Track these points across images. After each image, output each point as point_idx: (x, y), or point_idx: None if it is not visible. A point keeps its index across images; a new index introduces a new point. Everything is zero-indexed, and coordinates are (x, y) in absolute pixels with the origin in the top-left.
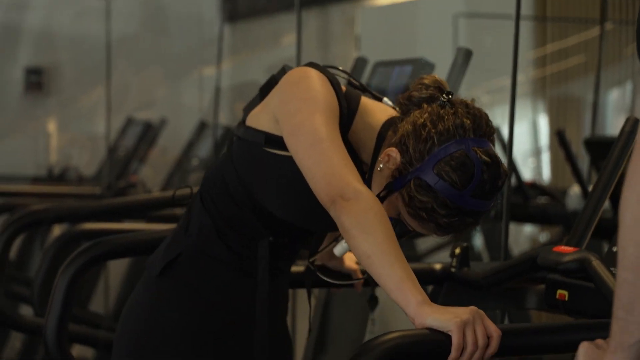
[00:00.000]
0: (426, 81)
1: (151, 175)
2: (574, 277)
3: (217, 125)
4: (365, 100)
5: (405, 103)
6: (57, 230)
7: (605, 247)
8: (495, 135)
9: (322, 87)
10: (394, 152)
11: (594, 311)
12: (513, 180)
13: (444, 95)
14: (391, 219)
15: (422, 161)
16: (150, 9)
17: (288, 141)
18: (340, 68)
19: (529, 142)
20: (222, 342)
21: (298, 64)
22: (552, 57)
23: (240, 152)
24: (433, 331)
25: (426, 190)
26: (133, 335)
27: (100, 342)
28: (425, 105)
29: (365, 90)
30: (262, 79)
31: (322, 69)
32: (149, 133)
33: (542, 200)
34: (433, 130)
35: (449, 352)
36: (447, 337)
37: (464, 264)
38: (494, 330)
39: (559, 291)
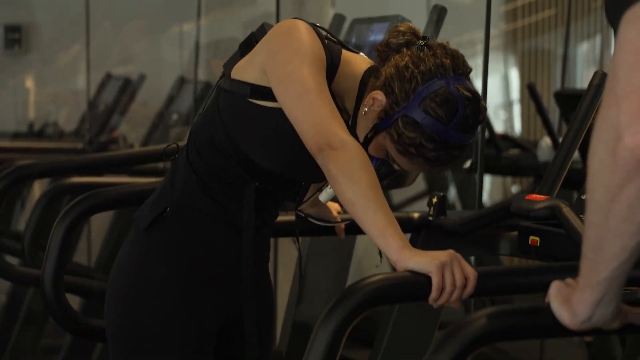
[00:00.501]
0: (401, 28)
1: (131, 131)
2: (545, 223)
3: (196, 80)
4: (346, 53)
5: (384, 50)
6: (37, 185)
7: (575, 196)
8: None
9: (311, 39)
10: (379, 94)
11: (564, 255)
12: (486, 132)
13: (420, 40)
14: (377, 159)
15: (408, 100)
16: None
17: (277, 91)
18: (318, 25)
19: (500, 95)
20: (209, 295)
21: (277, 21)
22: (522, 10)
23: (226, 104)
24: (414, 273)
25: (414, 127)
26: (123, 289)
27: (93, 291)
28: (404, 50)
29: (343, 45)
30: (240, 36)
31: (310, 23)
32: (128, 88)
33: (513, 152)
34: (416, 71)
35: (430, 292)
36: (427, 279)
37: (441, 212)
38: (471, 272)
39: (532, 237)
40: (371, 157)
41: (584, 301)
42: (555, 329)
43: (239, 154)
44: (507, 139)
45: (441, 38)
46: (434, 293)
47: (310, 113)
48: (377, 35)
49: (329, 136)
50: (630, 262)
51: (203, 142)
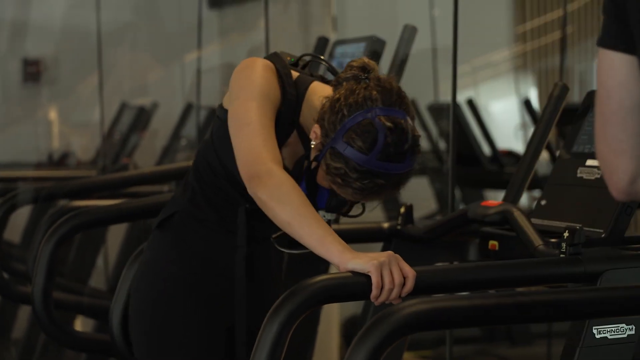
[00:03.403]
0: (354, 63)
1: (143, 157)
2: (503, 229)
3: (199, 106)
4: (315, 85)
5: (335, 84)
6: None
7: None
8: (411, 106)
9: (262, 77)
10: (317, 127)
11: (520, 257)
12: (488, 150)
13: (362, 73)
14: (328, 191)
15: (335, 131)
16: None
17: (228, 124)
18: (317, 55)
19: (518, 116)
20: (217, 294)
21: (267, 50)
22: (538, 31)
23: (216, 128)
24: (355, 274)
25: (338, 158)
26: (139, 289)
27: (83, 307)
28: (344, 84)
29: (318, 77)
30: (239, 61)
31: (275, 59)
32: (142, 117)
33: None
34: (344, 103)
35: (371, 291)
36: (367, 278)
37: (408, 221)
38: (409, 271)
39: (491, 242)
40: (322, 188)
41: None
42: None
43: (229, 176)
44: (511, 155)
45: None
46: (374, 291)
47: (244, 144)
48: (355, 56)
49: (256, 166)
50: None
51: (202, 164)
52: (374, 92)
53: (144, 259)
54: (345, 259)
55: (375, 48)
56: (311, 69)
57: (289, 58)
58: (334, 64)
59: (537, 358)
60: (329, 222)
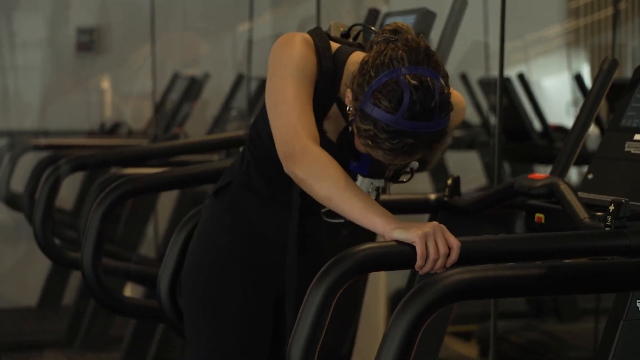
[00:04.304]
0: (387, 27)
1: (194, 127)
2: (549, 202)
3: (250, 77)
4: (355, 55)
5: (368, 49)
6: None
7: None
8: (441, 64)
9: (298, 53)
10: (349, 92)
11: (566, 230)
12: (539, 125)
13: (393, 35)
14: (369, 158)
15: (364, 94)
16: None
17: (265, 102)
18: (367, 25)
19: (570, 92)
20: (265, 265)
21: (318, 22)
22: (591, 5)
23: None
24: (400, 243)
25: (366, 119)
26: (193, 252)
27: (130, 273)
28: (374, 47)
29: (360, 46)
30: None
31: (315, 32)
32: (194, 87)
33: None
34: (371, 65)
35: (415, 260)
36: (412, 248)
37: (455, 193)
38: (454, 242)
39: (537, 215)
40: (363, 155)
41: None
42: None
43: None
44: (561, 130)
45: (517, 33)
46: (418, 261)
47: (279, 123)
48: None
49: (291, 144)
50: None
51: (255, 136)
52: (400, 52)
53: (200, 223)
54: (390, 229)
55: (425, 20)
56: (364, 40)
57: (341, 29)
58: None
59: (584, 334)
60: (377, 190)
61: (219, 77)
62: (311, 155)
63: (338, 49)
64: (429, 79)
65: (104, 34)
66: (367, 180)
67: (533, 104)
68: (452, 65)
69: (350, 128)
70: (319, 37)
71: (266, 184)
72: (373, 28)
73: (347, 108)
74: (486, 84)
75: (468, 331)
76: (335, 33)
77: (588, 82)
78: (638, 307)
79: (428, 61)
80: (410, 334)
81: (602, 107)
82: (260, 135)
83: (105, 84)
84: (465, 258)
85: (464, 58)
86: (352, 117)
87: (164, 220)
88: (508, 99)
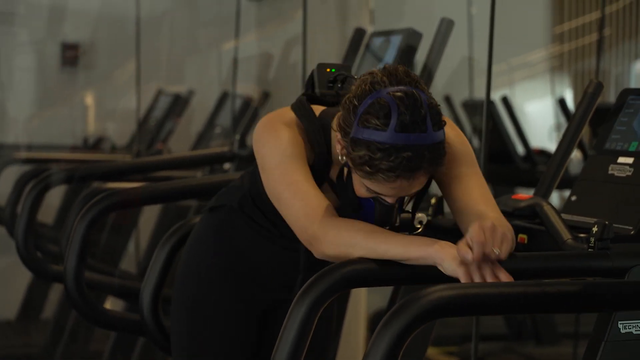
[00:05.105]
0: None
1: (177, 144)
2: (532, 222)
3: (235, 95)
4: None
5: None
6: None
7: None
8: (422, 84)
9: (285, 141)
10: (337, 135)
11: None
12: (522, 148)
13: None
14: (370, 200)
15: (352, 125)
16: None
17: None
18: (350, 75)
19: (553, 117)
20: (247, 286)
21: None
22: (575, 31)
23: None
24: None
25: (359, 145)
26: (181, 264)
27: (113, 288)
28: (352, 88)
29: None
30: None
31: (298, 107)
32: (178, 104)
33: None
34: (353, 96)
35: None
36: (395, 263)
37: (438, 212)
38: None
39: (520, 235)
40: (365, 203)
41: None
42: None
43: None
44: (544, 154)
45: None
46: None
47: (288, 213)
48: (391, 49)
49: (310, 230)
50: None
51: (256, 192)
52: (380, 76)
53: (189, 240)
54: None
55: (411, 41)
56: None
57: (328, 70)
58: (370, 56)
59: (562, 357)
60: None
61: (204, 94)
62: (331, 229)
63: (324, 112)
64: (413, 91)
65: (89, 49)
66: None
67: (516, 127)
68: (437, 87)
69: (345, 170)
70: (300, 109)
71: (263, 215)
72: (356, 77)
73: (340, 157)
74: (470, 106)
75: (449, 352)
76: (322, 77)
77: (571, 106)
78: (620, 328)
79: (409, 81)
80: (393, 349)
81: (585, 132)
82: (263, 197)
83: (90, 99)
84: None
85: (448, 81)
86: (345, 156)
87: (145, 236)
88: (492, 122)
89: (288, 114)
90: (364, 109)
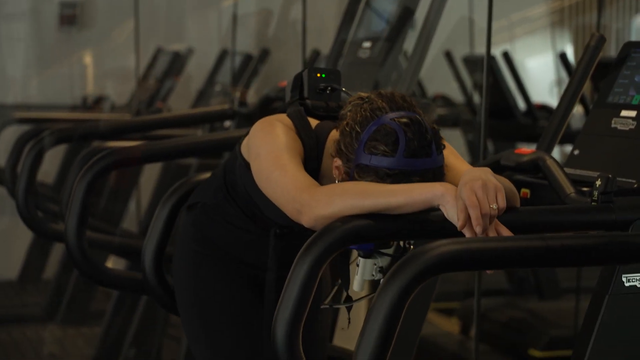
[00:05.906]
0: (350, 99)
1: (177, 102)
2: (535, 177)
3: (234, 52)
4: (334, 133)
5: (340, 120)
6: None
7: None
8: (418, 108)
9: (284, 138)
10: (336, 161)
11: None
12: (523, 103)
13: (360, 100)
14: None
15: (355, 150)
16: None
17: (256, 181)
18: (338, 86)
19: (554, 72)
20: (238, 268)
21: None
22: None
23: (238, 165)
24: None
25: (366, 171)
26: (175, 256)
27: (113, 246)
28: (348, 113)
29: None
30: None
31: (295, 115)
32: (177, 62)
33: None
34: (354, 122)
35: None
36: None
37: None
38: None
39: (522, 190)
40: None
41: None
42: None
43: (261, 208)
44: (545, 109)
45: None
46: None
47: (277, 191)
48: (393, 4)
49: (297, 200)
50: None
51: (232, 181)
52: (379, 102)
53: (178, 236)
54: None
55: (408, 2)
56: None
57: (318, 75)
58: (369, 16)
59: (565, 312)
60: (382, 271)
61: (203, 51)
62: (320, 192)
63: (318, 126)
64: (417, 116)
65: (87, 8)
66: (369, 261)
67: (517, 82)
68: (437, 44)
69: None
70: (299, 119)
71: (242, 213)
72: (344, 89)
73: (338, 182)
74: (471, 62)
75: (450, 308)
76: (311, 82)
77: (572, 61)
78: (623, 281)
79: (408, 106)
80: (398, 303)
81: (586, 88)
82: (237, 191)
83: (88, 59)
84: (453, 230)
85: (449, 36)
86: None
87: (146, 195)
88: (493, 78)
89: (286, 119)
90: (369, 136)
